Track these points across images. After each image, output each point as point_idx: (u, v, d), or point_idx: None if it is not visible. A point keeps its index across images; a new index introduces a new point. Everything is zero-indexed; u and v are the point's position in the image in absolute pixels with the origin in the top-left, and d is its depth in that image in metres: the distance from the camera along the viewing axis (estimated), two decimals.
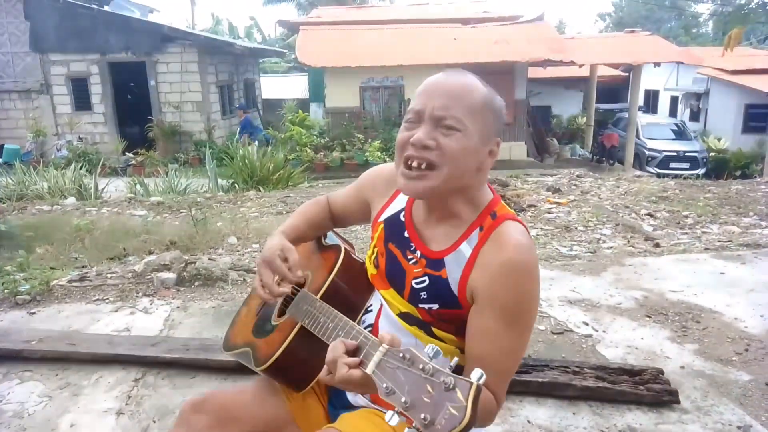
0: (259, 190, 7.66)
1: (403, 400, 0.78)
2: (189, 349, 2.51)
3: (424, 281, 1.12)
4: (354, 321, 1.21)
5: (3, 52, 13.73)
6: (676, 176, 9.38)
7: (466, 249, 1.09)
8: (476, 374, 0.75)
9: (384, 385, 0.82)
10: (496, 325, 1.03)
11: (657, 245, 4.30)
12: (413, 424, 0.76)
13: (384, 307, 1.20)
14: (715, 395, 2.23)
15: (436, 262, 1.11)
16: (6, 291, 3.29)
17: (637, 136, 14.60)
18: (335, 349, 0.93)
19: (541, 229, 4.94)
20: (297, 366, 1.22)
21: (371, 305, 1.25)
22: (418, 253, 1.15)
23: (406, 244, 1.17)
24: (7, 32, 13.62)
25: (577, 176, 7.88)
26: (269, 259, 1.22)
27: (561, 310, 3.07)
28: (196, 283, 3.48)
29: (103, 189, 8.00)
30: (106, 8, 15.74)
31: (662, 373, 2.27)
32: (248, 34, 29.36)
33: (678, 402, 2.16)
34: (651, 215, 5.42)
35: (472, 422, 0.73)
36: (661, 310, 3.06)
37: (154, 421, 2.12)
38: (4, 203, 6.55)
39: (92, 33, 13.37)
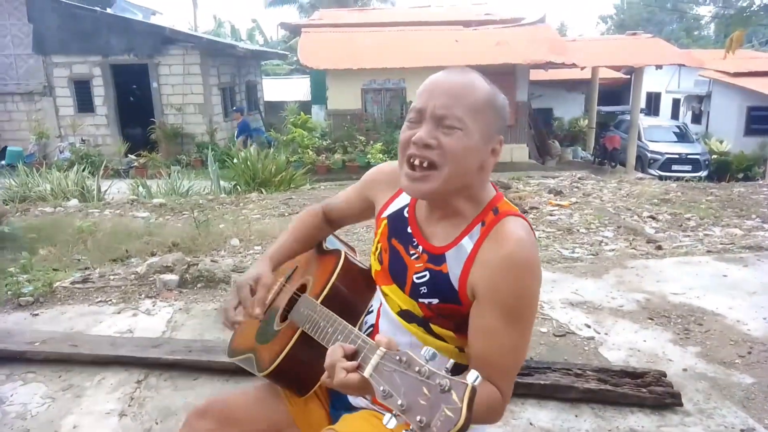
0: (261, 192, 7.66)
1: (399, 402, 0.78)
2: (191, 350, 2.51)
3: (424, 276, 1.12)
4: (355, 324, 1.21)
5: (6, 54, 13.78)
6: (678, 179, 9.36)
7: (467, 244, 1.09)
8: (472, 376, 0.75)
9: (381, 388, 0.82)
10: (498, 322, 1.03)
11: (659, 248, 4.30)
12: (410, 427, 0.76)
13: (383, 305, 1.20)
14: (717, 398, 2.23)
15: (437, 257, 1.12)
16: (9, 293, 3.30)
17: (639, 139, 14.60)
18: (333, 353, 0.93)
19: (543, 231, 4.94)
20: (299, 370, 1.23)
21: (372, 307, 1.26)
22: (420, 248, 1.15)
23: (409, 240, 1.18)
24: (10, 34, 13.67)
25: (579, 178, 7.87)
26: (240, 286, 1.26)
27: (563, 312, 3.07)
28: (199, 285, 3.49)
29: (106, 191, 8.01)
30: (108, 10, 15.79)
31: (665, 375, 2.27)
32: (250, 36, 29.46)
33: (680, 405, 2.16)
34: (653, 218, 5.41)
35: (468, 423, 0.73)
36: (664, 312, 3.05)
37: (157, 423, 2.12)
38: (7, 205, 6.56)
39: (95, 35, 13.42)
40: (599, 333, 2.82)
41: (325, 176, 11.19)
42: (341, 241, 1.48)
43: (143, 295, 3.37)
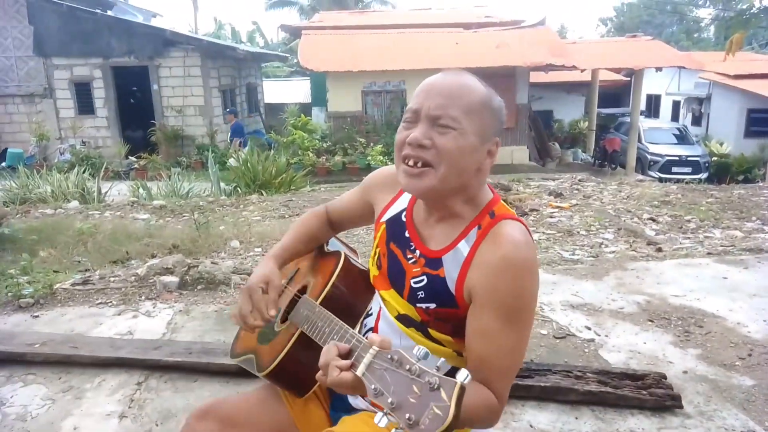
0: (262, 194, 7.67)
1: (390, 401, 0.79)
2: (191, 352, 2.52)
3: (422, 280, 1.12)
4: (355, 325, 1.21)
5: (7, 56, 13.79)
6: (678, 181, 9.36)
7: (464, 247, 1.09)
8: (462, 374, 0.75)
9: (372, 387, 0.83)
10: (495, 323, 1.03)
11: (659, 250, 4.30)
12: (399, 425, 0.77)
13: (382, 309, 1.20)
14: (718, 400, 2.23)
15: (434, 261, 1.12)
16: (9, 294, 3.30)
17: (639, 141, 14.60)
18: (328, 352, 0.94)
19: (544, 233, 4.94)
20: (298, 371, 1.23)
21: (372, 309, 1.26)
22: (418, 252, 1.15)
23: (407, 244, 1.18)
24: (11, 36, 13.69)
25: (579, 180, 7.87)
26: (252, 290, 1.25)
27: (563, 314, 3.07)
28: (199, 287, 3.49)
29: (106, 193, 8.01)
30: (109, 13, 15.84)
31: (665, 377, 2.27)
32: (251, 38, 29.51)
33: (681, 407, 2.16)
34: (653, 220, 5.41)
35: (456, 421, 0.73)
36: (664, 314, 3.05)
37: (157, 425, 2.12)
38: (7, 207, 6.56)
39: (95, 37, 13.43)
40: (599, 335, 2.82)
41: (325, 178, 11.20)
42: (343, 242, 1.49)
43: (143, 297, 3.37)
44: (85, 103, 13.93)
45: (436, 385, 0.75)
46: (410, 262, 1.16)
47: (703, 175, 13.64)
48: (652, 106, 21.01)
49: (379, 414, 0.79)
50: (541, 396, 2.20)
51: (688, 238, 4.79)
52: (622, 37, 19.39)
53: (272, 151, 10.31)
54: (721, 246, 4.39)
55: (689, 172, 13.50)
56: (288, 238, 1.40)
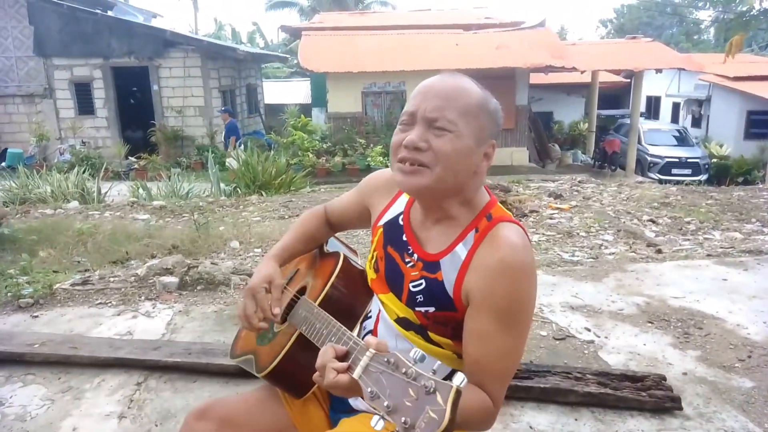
0: (262, 195, 7.67)
1: (386, 404, 0.78)
2: (191, 353, 2.51)
3: (420, 284, 1.12)
4: (353, 327, 1.21)
5: (7, 56, 13.80)
6: (677, 182, 9.37)
7: (461, 251, 1.09)
8: (458, 378, 0.75)
9: (369, 390, 0.82)
10: (491, 326, 1.03)
11: (659, 251, 4.30)
12: (396, 428, 0.76)
13: (382, 312, 1.20)
14: (717, 402, 2.23)
15: (432, 265, 1.12)
16: (9, 294, 3.30)
17: (639, 142, 14.61)
18: (325, 354, 0.94)
19: (543, 234, 4.94)
20: (297, 372, 1.23)
21: (371, 311, 1.26)
22: (415, 256, 1.15)
23: (404, 247, 1.18)
24: (11, 36, 13.69)
25: (579, 182, 7.88)
26: (255, 290, 1.25)
27: (563, 315, 3.07)
28: (199, 287, 3.49)
29: (106, 193, 8.01)
30: (109, 13, 15.84)
31: (664, 379, 2.27)
32: (251, 39, 29.54)
33: (680, 408, 2.16)
34: (653, 221, 5.42)
35: (452, 425, 0.73)
36: (663, 316, 3.05)
37: (156, 425, 2.12)
38: (7, 207, 6.56)
39: (96, 38, 13.45)
40: (599, 336, 2.82)
41: (325, 179, 11.20)
42: (342, 243, 1.49)
43: (143, 298, 3.37)
44: (85, 104, 13.94)
45: (432, 389, 0.75)
46: (408, 265, 1.16)
47: (703, 177, 13.66)
48: (652, 108, 21.03)
49: (376, 417, 0.79)
50: (541, 397, 2.20)
51: (688, 239, 4.79)
52: (621, 38, 19.40)
53: (272, 152, 10.31)
54: (721, 248, 4.40)
55: (689, 174, 13.52)
56: (287, 238, 1.40)
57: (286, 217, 6.01)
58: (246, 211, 6.42)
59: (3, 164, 12.17)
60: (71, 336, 2.81)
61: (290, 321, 1.28)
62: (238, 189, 8.27)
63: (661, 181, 11.29)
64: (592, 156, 15.84)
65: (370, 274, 1.25)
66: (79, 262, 4.28)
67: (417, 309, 1.12)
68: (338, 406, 1.28)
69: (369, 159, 11.72)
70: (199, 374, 2.43)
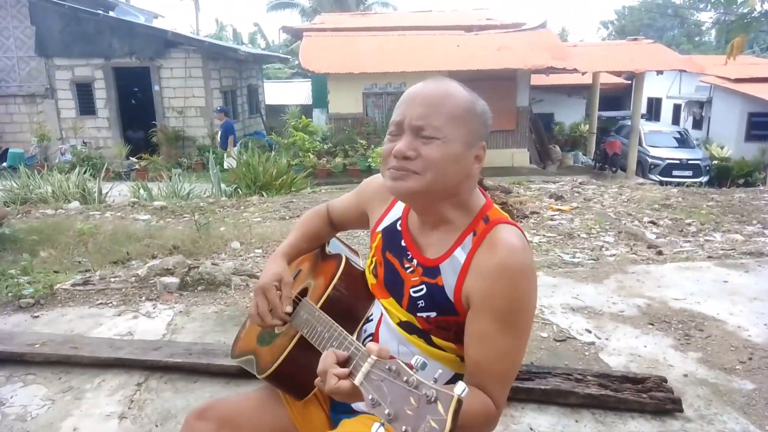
0: (262, 196, 7.67)
1: (387, 412, 0.78)
2: (191, 353, 2.51)
3: (421, 290, 1.12)
4: (355, 330, 1.21)
5: (8, 56, 13.82)
6: (678, 184, 9.37)
7: (460, 255, 1.09)
8: (459, 387, 0.75)
9: (370, 397, 0.82)
10: (492, 328, 1.03)
11: (660, 253, 4.30)
12: None
13: (384, 316, 1.20)
14: (718, 404, 2.23)
15: (431, 270, 1.12)
16: (10, 294, 3.30)
17: (640, 144, 14.61)
18: (326, 359, 0.94)
19: (544, 236, 4.94)
20: (298, 374, 1.23)
21: (372, 314, 1.25)
22: (415, 261, 1.15)
23: (403, 253, 1.18)
24: (13, 36, 13.72)
25: (580, 183, 7.88)
26: (266, 288, 1.25)
27: (563, 317, 3.07)
28: (199, 288, 3.49)
29: (107, 193, 8.02)
30: (111, 13, 15.86)
31: (665, 381, 2.27)
32: (252, 40, 29.57)
33: (681, 410, 2.15)
34: (654, 223, 5.42)
35: None
36: (664, 318, 3.05)
37: (157, 426, 2.12)
38: (8, 207, 6.57)
39: (97, 38, 13.47)
40: (600, 338, 2.82)
41: (325, 180, 11.21)
42: (344, 244, 1.49)
43: (144, 298, 3.37)
44: (86, 104, 13.96)
45: (433, 398, 0.75)
46: (408, 271, 1.16)
47: (704, 179, 13.66)
48: (653, 110, 21.04)
49: (376, 425, 0.79)
50: (542, 399, 2.20)
51: (689, 241, 4.79)
52: (623, 40, 19.43)
53: (273, 153, 10.31)
54: (722, 249, 4.39)
55: (690, 176, 13.51)
56: (293, 237, 1.40)
57: (287, 218, 6.01)
58: (247, 211, 6.43)
59: (4, 164, 12.20)
60: (72, 336, 2.81)
61: (291, 323, 1.28)
62: (238, 190, 8.27)
63: (661, 183, 11.28)
64: (592, 157, 15.85)
65: (370, 279, 1.25)
66: (79, 262, 4.28)
67: (419, 314, 1.13)
68: (339, 407, 1.28)
69: (370, 160, 11.72)
70: (200, 375, 2.43)
